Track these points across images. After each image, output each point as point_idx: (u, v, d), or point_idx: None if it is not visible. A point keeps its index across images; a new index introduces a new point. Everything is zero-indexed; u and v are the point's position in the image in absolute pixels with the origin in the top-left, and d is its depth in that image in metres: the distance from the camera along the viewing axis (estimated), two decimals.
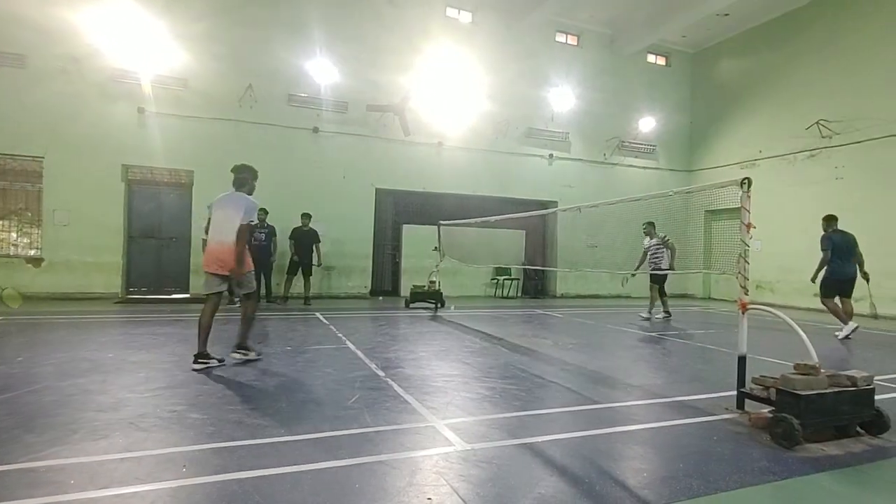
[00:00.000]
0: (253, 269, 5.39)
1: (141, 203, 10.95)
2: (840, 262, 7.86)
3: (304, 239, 10.57)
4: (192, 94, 10.95)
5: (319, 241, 10.75)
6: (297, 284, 10.71)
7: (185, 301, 10.40)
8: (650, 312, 9.71)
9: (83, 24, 10.08)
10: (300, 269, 10.58)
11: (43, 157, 10.05)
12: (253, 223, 5.17)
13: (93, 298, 10.06)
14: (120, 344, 5.88)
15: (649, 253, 9.55)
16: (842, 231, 8.01)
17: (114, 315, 7.86)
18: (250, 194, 5.27)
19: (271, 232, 10.44)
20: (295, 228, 10.63)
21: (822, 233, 8.10)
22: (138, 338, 6.24)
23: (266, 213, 10.38)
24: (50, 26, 9.90)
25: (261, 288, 10.43)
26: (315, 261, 10.67)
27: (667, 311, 9.72)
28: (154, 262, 11.01)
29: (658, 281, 9.64)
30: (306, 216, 10.62)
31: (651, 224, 9.59)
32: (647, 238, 9.62)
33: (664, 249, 9.37)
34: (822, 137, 12.34)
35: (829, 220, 8.08)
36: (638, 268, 9.64)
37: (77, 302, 9.51)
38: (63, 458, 2.69)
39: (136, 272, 10.89)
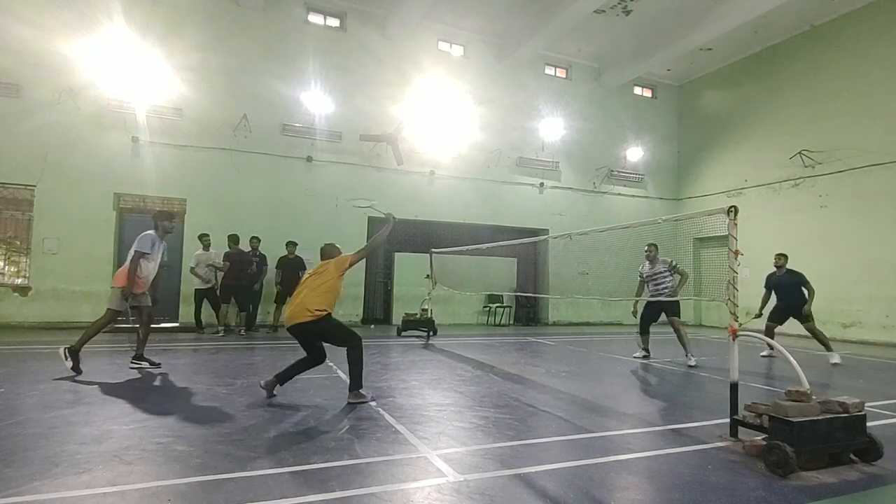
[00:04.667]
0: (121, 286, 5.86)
1: (132, 231, 10.76)
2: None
3: (291, 267, 10.54)
4: (187, 123, 11.05)
5: (305, 269, 10.72)
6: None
7: (174, 330, 10.27)
8: (690, 355, 7.65)
9: (79, 56, 10.21)
10: (287, 297, 10.51)
11: (35, 186, 10.02)
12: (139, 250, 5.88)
13: (80, 328, 9.81)
14: (105, 374, 5.77)
15: (651, 281, 7.89)
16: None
17: (100, 345, 7.72)
18: (167, 233, 6.21)
19: (262, 260, 10.41)
20: (281, 258, 10.60)
21: (792, 269, 8.46)
22: (124, 368, 6.12)
23: (258, 240, 10.38)
24: (45, 57, 10.02)
25: (241, 318, 10.33)
26: None
27: (646, 349, 8.21)
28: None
29: (678, 312, 7.88)
30: (292, 244, 10.60)
31: (655, 246, 7.94)
32: (648, 263, 7.92)
33: (670, 276, 7.75)
34: (805, 167, 12.64)
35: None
36: (637, 302, 8.09)
37: (63, 331, 9.34)
38: (44, 493, 2.61)
39: None
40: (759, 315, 8.36)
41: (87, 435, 3.57)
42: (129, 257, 5.86)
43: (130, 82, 10.51)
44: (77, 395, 4.74)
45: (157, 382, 5.42)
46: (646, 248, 7.93)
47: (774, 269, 8.50)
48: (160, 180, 10.77)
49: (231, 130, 11.34)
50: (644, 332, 8.25)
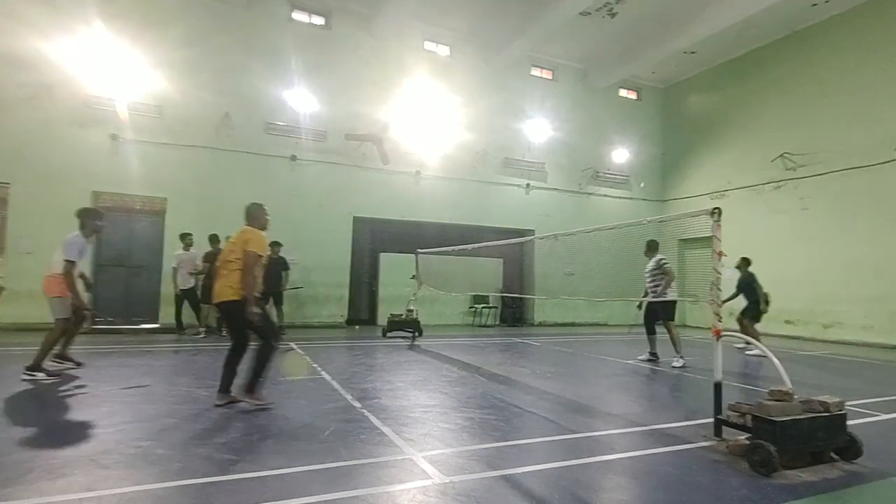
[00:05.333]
0: (64, 296, 5.53)
1: (111, 230, 10.61)
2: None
3: (273, 267, 10.40)
4: (168, 120, 10.86)
5: (288, 269, 10.59)
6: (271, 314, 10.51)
7: (154, 331, 10.09)
8: (679, 357, 7.50)
9: (56, 51, 9.96)
10: (271, 297, 10.37)
11: (9, 184, 9.75)
12: (69, 260, 5.45)
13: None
14: (82, 376, 5.63)
15: (647, 279, 7.80)
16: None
17: (76, 346, 7.52)
18: (95, 233, 5.85)
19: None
20: None
21: (748, 271, 9.24)
22: (102, 370, 5.99)
23: None
24: (21, 53, 9.75)
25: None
26: (284, 287, 10.49)
27: (653, 353, 7.90)
28: (122, 290, 10.67)
29: (669, 314, 7.76)
30: (276, 244, 10.49)
31: (648, 244, 7.88)
32: (649, 261, 7.85)
33: (661, 274, 7.58)
34: (787, 169, 12.85)
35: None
36: (644, 296, 7.87)
37: (38, 333, 9.09)
38: (17, 500, 2.53)
39: (102, 301, 10.51)
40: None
41: (63, 439, 3.47)
42: (62, 267, 5.44)
43: (110, 79, 10.30)
44: (52, 399, 4.62)
45: (135, 384, 5.30)
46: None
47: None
48: (140, 178, 10.57)
49: (213, 129, 11.18)
50: (649, 332, 8.03)
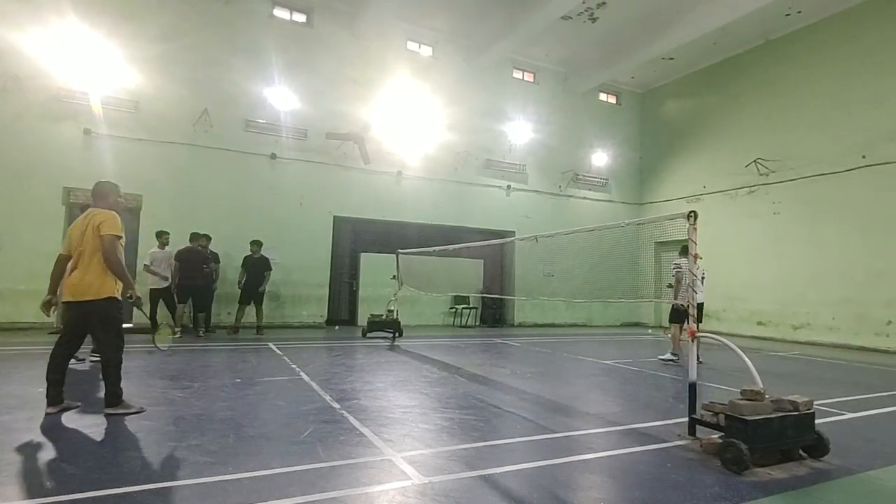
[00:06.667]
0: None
1: None
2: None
3: (256, 267, 10.27)
4: (144, 116, 10.63)
5: (271, 269, 10.47)
6: (250, 314, 10.35)
7: (127, 331, 9.84)
8: (670, 353, 8.05)
9: (27, 42, 9.67)
10: (251, 298, 10.23)
11: None
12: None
13: (23, 329, 9.38)
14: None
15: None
16: None
17: (46, 346, 7.31)
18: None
19: (213, 259, 10.07)
20: (246, 257, 10.33)
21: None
22: (71, 371, 5.82)
23: (209, 239, 9.99)
24: None
25: (200, 319, 9.96)
26: (263, 287, 10.34)
27: (674, 354, 8.04)
28: None
29: (676, 318, 8.08)
30: (256, 243, 10.34)
31: (680, 245, 7.69)
32: None
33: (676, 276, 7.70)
34: (760, 175, 13.17)
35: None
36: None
37: (5, 333, 8.85)
38: None
39: None
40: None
41: (30, 442, 3.37)
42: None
43: (83, 72, 10.02)
44: (19, 401, 4.48)
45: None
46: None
47: None
48: (114, 174, 10.08)
49: (191, 125, 10.98)
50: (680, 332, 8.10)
